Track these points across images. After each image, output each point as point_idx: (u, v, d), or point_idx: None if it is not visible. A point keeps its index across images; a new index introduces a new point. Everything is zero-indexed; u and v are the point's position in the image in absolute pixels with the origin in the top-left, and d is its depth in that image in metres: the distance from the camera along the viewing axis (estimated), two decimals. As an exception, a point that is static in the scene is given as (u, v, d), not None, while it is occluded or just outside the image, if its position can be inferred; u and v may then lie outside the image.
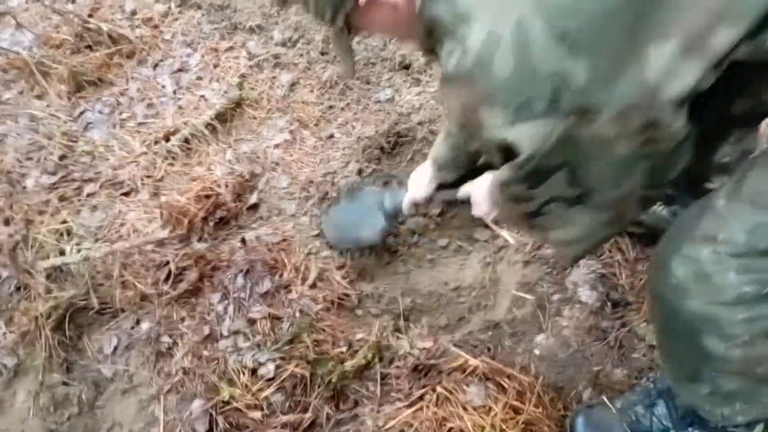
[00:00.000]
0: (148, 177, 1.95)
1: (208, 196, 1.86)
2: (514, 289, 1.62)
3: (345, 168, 1.94)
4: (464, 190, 1.40)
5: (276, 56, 2.24)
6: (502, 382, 1.32)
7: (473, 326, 1.56)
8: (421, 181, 1.53)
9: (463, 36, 0.82)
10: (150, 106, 2.19)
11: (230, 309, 1.55)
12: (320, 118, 2.11)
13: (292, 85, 2.18)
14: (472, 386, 1.32)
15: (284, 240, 1.79)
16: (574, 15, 0.76)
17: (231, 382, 1.42)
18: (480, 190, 1.25)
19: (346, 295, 1.68)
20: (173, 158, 2.00)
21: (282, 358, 1.44)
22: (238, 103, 2.14)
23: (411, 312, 1.68)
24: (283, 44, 2.26)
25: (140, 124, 2.14)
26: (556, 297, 1.54)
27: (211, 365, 1.46)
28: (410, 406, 1.40)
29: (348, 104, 2.12)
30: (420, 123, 1.98)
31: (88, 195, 1.90)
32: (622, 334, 1.43)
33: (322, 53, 2.22)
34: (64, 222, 1.82)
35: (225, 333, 1.51)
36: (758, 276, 0.82)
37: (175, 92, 2.21)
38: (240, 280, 1.60)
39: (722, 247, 0.82)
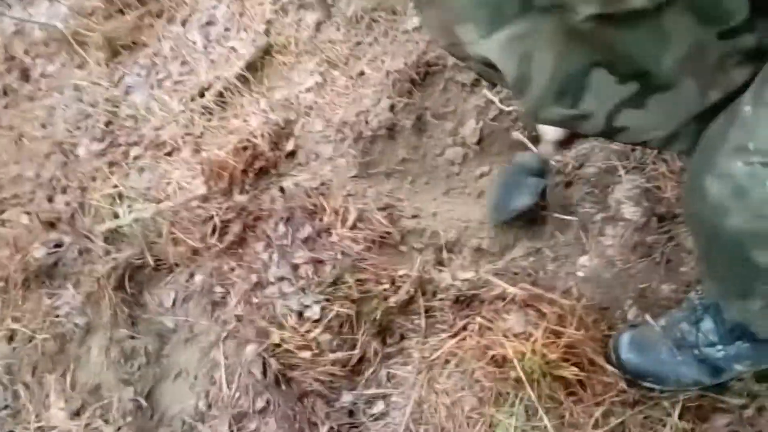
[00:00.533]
0: (188, 135, 1.99)
1: (245, 148, 1.89)
2: (556, 212, 1.58)
3: (377, 105, 1.91)
4: None
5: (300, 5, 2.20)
6: (542, 308, 1.31)
7: (515, 253, 1.54)
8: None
9: None
10: (184, 63, 2.21)
11: (274, 256, 1.60)
12: (349, 56, 2.07)
13: (318, 25, 2.14)
14: (511, 314, 1.32)
15: (322, 184, 1.81)
16: None
17: (280, 326, 1.48)
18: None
19: (388, 233, 1.69)
20: (210, 113, 2.03)
21: (327, 300, 1.48)
22: (267, 51, 2.13)
23: (454, 244, 1.68)
24: (303, -10, 2.21)
25: (176, 82, 2.17)
26: (599, 216, 1.49)
27: (261, 311, 1.52)
28: (454, 336, 1.42)
29: (376, 38, 2.07)
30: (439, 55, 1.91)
31: (135, 158, 1.97)
32: (669, 249, 1.38)
33: None
34: (115, 186, 1.90)
35: (271, 280, 1.56)
36: None
37: (205, 47, 2.22)
38: (281, 227, 1.64)
39: (755, 157, 0.75)
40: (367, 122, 1.90)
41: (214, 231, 1.69)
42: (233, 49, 2.18)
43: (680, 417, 1.17)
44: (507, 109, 1.81)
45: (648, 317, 1.25)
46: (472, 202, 1.83)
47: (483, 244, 1.65)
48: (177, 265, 1.71)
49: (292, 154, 1.94)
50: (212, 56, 2.20)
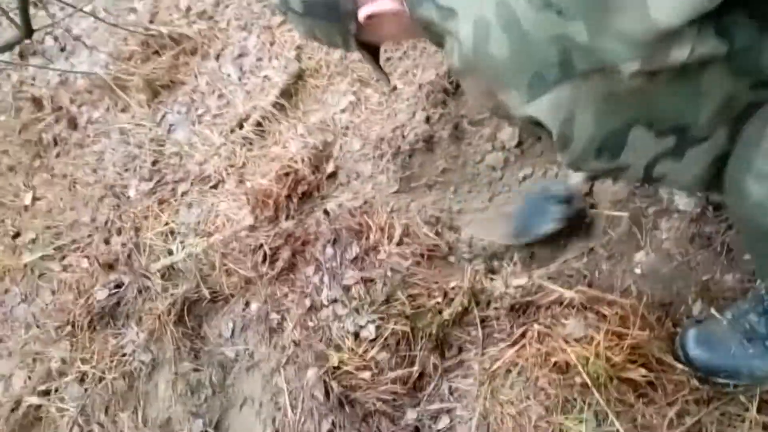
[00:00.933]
0: (231, 166, 2.04)
1: (287, 174, 1.92)
2: (607, 209, 1.54)
3: (413, 119, 1.92)
4: None
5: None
6: (602, 310, 1.28)
7: (567, 255, 1.51)
8: None
9: (455, 30, 0.79)
10: (221, 96, 2.27)
11: (325, 279, 1.61)
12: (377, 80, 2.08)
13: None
14: (570, 318, 1.30)
15: (365, 202, 1.82)
16: None
17: (338, 348, 1.49)
18: None
19: (436, 245, 1.68)
20: (250, 144, 2.07)
21: (381, 318, 1.49)
22: (300, 76, 2.16)
23: (504, 251, 1.66)
24: None
25: (215, 116, 2.22)
26: (651, 210, 1.45)
27: (318, 334, 1.53)
28: (513, 345, 1.40)
29: (405, 52, 2.08)
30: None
31: (182, 194, 2.02)
32: (729, 237, 1.33)
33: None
34: (167, 224, 1.95)
35: (325, 302, 1.57)
36: None
37: (240, 78, 2.27)
38: (329, 250, 1.65)
39: None
40: (404, 136, 1.91)
41: (264, 259, 1.71)
42: (267, 77, 2.22)
43: (759, 411, 1.13)
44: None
45: (714, 311, 1.21)
46: (516, 201, 1.81)
47: (533, 248, 1.63)
48: (232, 295, 1.74)
49: (333, 176, 1.96)
50: (247, 87, 2.24)
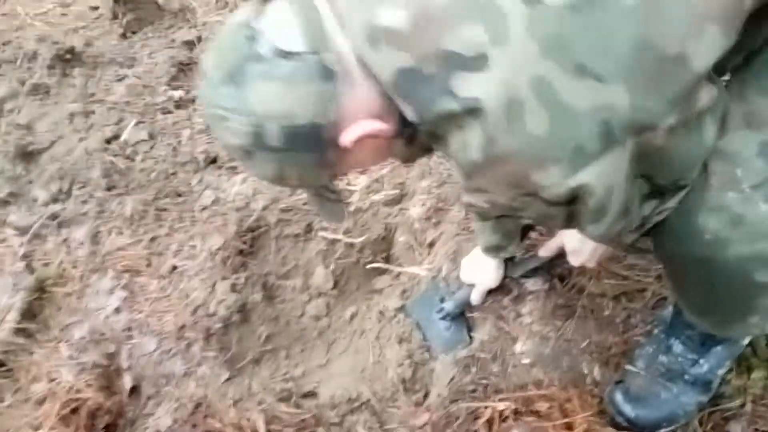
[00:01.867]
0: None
1: (74, 411, 1.46)
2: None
3: (213, 292, 1.67)
4: (552, 247, 1.33)
5: (54, 216, 1.84)
6: (537, 408, 1.22)
7: (455, 372, 1.43)
8: (485, 269, 1.42)
9: (480, 120, 0.70)
10: None
11: None
12: (149, 255, 1.78)
13: (94, 237, 1.81)
14: (514, 430, 1.20)
15: (198, 405, 1.48)
16: (579, 44, 0.69)
17: None
18: (576, 242, 1.18)
19: (303, 420, 1.45)
20: (-3, 394, 1.52)
21: None
22: (40, 288, 1.72)
23: (379, 395, 1.51)
24: (55, 200, 1.87)
25: None
26: (506, 300, 1.49)
27: None
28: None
29: (171, 227, 1.83)
30: (265, 208, 1.79)
31: None
32: (585, 300, 1.43)
33: (108, 188, 1.88)
34: None
35: None
36: None
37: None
38: (187, 480, 1.27)
39: (743, 184, 0.82)
40: (210, 315, 1.64)
41: None
42: (-12, 304, 1.70)
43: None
44: (353, 241, 1.75)
45: (628, 366, 1.25)
46: (360, 347, 1.69)
47: (406, 377, 1.52)
48: None
49: (135, 390, 1.56)
50: (-40, 325, 1.68)
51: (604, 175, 0.74)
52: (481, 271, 1.43)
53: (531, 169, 0.74)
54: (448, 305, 1.49)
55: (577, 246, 1.19)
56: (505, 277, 1.45)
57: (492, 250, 1.35)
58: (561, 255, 1.30)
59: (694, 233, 0.87)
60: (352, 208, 1.77)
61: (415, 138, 0.84)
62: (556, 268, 1.46)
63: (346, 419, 1.50)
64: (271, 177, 0.81)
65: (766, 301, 0.92)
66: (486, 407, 1.26)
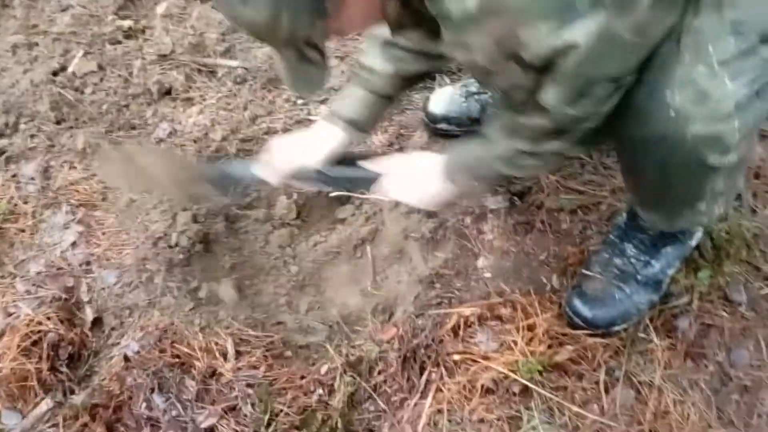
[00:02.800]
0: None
1: (36, 343, 1.43)
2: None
3: (174, 224, 1.64)
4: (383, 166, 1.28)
5: (1, 151, 1.77)
6: (502, 313, 1.27)
7: (419, 290, 1.47)
8: (302, 145, 1.35)
9: None
10: None
11: (173, 436, 1.23)
12: (104, 190, 1.74)
13: (45, 172, 1.75)
14: (477, 336, 1.25)
15: (165, 332, 1.47)
16: None
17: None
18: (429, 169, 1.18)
19: (271, 342, 1.46)
20: (-49, 329, 1.48)
21: (275, 442, 1.20)
22: (-8, 224, 1.66)
23: (348, 316, 1.55)
24: (1, 134, 1.80)
25: None
26: (468, 220, 1.52)
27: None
28: (423, 396, 1.28)
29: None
30: (224, 138, 1.76)
31: None
32: (542, 215, 1.48)
33: (58, 122, 1.81)
34: None
35: (189, 464, 1.20)
36: (749, 76, 0.86)
37: None
38: (157, 399, 1.28)
39: (712, 58, 0.86)
40: (172, 246, 1.62)
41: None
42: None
43: (662, 337, 1.26)
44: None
45: (583, 270, 1.31)
46: (325, 275, 1.71)
47: (371, 301, 1.55)
48: None
49: (97, 323, 1.53)
50: None
51: (585, 37, 0.77)
52: (292, 146, 1.38)
53: (520, 24, 0.77)
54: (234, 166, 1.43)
55: (414, 183, 1.22)
56: (322, 175, 1.36)
57: (351, 123, 1.32)
58: (370, 180, 1.29)
59: (659, 109, 0.90)
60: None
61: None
62: (357, 189, 1.40)
63: (313, 341, 1.52)
64: (262, 22, 0.80)
65: (714, 185, 0.97)
66: (452, 313, 1.30)
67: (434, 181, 1.19)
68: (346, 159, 1.36)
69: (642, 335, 1.27)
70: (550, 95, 0.89)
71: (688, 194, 1.03)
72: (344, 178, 1.35)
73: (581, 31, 0.78)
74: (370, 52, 1.27)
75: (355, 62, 1.32)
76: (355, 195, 1.50)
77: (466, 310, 1.29)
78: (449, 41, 0.88)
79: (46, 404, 1.28)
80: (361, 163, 1.33)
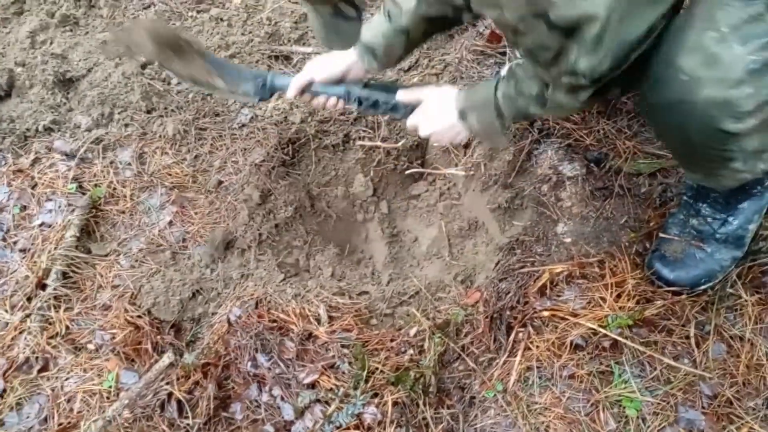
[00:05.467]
0: (53, 337, 1.54)
1: (140, 317, 1.55)
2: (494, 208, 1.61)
3: (263, 203, 1.74)
4: (411, 97, 1.29)
5: (98, 140, 1.90)
6: (591, 272, 1.30)
7: (500, 257, 1.51)
8: (326, 63, 1.38)
9: None
10: (-17, 268, 1.72)
11: (276, 391, 1.31)
12: (194, 173, 1.85)
13: (140, 157, 1.87)
14: (564, 293, 1.29)
15: (260, 301, 1.56)
16: None
17: (345, 455, 1.21)
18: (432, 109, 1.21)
19: (357, 310, 1.53)
20: (67, 300, 1.61)
21: (374, 395, 1.27)
22: (94, 207, 1.78)
23: (431, 282, 1.60)
24: (98, 125, 1.92)
25: (-12, 292, 1.67)
26: (545, 187, 1.55)
27: (308, 455, 1.23)
28: (512, 354, 1.33)
29: (212, 145, 1.89)
30: (303, 121, 1.85)
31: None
32: (621, 180, 1.50)
33: (149, 111, 1.93)
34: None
35: (292, 416, 1.28)
36: (760, 41, 0.88)
37: (5, 239, 1.76)
38: (261, 359, 1.36)
39: (721, 23, 0.88)
40: (261, 223, 1.71)
41: (181, 409, 1.32)
42: (44, 225, 1.78)
43: (751, 293, 1.26)
44: (390, 146, 1.81)
45: (661, 234, 1.32)
46: (405, 243, 1.78)
47: (454, 269, 1.61)
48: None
49: (195, 294, 1.63)
50: (20, 244, 1.75)
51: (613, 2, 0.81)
52: (320, 63, 1.39)
53: None
54: (272, 76, 1.43)
55: (432, 117, 1.25)
56: (347, 92, 1.38)
57: (368, 48, 1.34)
58: (408, 111, 1.30)
59: (672, 75, 0.94)
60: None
61: None
62: (394, 115, 1.40)
63: (397, 310, 1.59)
64: None
65: (740, 145, 0.98)
66: (541, 272, 1.34)
67: (449, 117, 1.23)
68: (376, 83, 1.39)
69: (730, 291, 1.28)
70: (582, 63, 0.93)
71: (714, 156, 1.04)
72: (369, 99, 1.36)
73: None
74: None
75: None
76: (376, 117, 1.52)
77: (558, 267, 1.32)
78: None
79: (167, 358, 1.37)
80: (387, 89, 1.36)
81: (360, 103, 1.36)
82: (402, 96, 1.34)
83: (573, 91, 1.02)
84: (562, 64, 0.96)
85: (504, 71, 1.18)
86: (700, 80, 0.92)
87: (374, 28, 1.32)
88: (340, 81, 1.39)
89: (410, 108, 1.31)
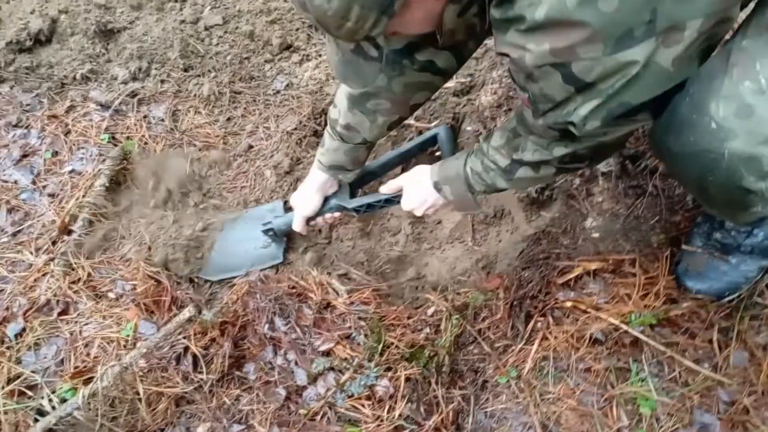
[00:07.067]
0: (75, 282, 1.56)
1: (158, 272, 1.56)
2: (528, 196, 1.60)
3: (291, 171, 1.74)
4: (393, 187, 1.38)
5: (133, 93, 1.91)
6: (625, 269, 1.29)
7: (524, 246, 1.50)
8: (308, 197, 1.47)
9: None
10: (13, 210, 1.74)
11: (291, 355, 1.32)
12: (225, 134, 1.86)
13: (174, 115, 1.88)
14: (590, 286, 1.28)
15: (278, 269, 1.57)
16: None
17: (354, 423, 1.21)
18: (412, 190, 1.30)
19: (377, 287, 1.53)
20: (89, 248, 1.63)
21: (388, 369, 1.27)
22: (125, 159, 1.80)
23: (453, 266, 1.59)
24: (134, 78, 1.93)
25: (15, 234, 1.69)
26: (577, 182, 1.54)
27: (319, 420, 1.23)
28: (528, 342, 1.32)
29: (246, 108, 1.89)
30: (339, 92, 1.83)
31: (17, 336, 1.47)
32: (655, 180, 1.47)
33: (186, 69, 1.93)
34: (10, 379, 1.39)
35: (305, 381, 1.28)
36: None
37: (34, 182, 1.79)
38: (279, 322, 1.37)
39: (761, 75, 0.84)
40: (297, 183, 1.71)
41: (196, 364, 1.33)
42: (75, 171, 1.80)
43: (779, 301, 1.25)
44: (423, 126, 1.79)
45: (684, 246, 1.30)
46: (427, 228, 1.77)
47: (475, 255, 1.60)
48: (162, 430, 1.31)
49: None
50: (49, 189, 1.78)
51: (634, 63, 0.80)
52: (303, 197, 1.47)
53: (582, 40, 0.78)
54: (276, 222, 1.55)
55: (412, 194, 1.31)
56: (341, 207, 1.48)
57: (335, 168, 1.41)
58: (398, 196, 1.38)
59: (701, 121, 0.89)
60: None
61: (468, 8, 0.91)
62: (388, 207, 1.47)
63: (416, 289, 1.59)
64: (333, 12, 0.81)
65: (758, 197, 0.93)
66: (574, 264, 1.33)
67: (428, 190, 1.28)
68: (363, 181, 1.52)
69: (758, 299, 1.26)
70: (583, 110, 0.90)
71: (732, 206, 1.00)
72: (362, 205, 1.45)
73: (633, 57, 0.79)
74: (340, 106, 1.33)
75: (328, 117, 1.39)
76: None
77: (592, 264, 1.31)
78: (508, 42, 0.88)
79: (188, 312, 1.39)
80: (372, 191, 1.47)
81: (357, 211, 1.46)
82: (386, 190, 1.40)
83: (558, 140, 1.02)
84: (558, 111, 0.93)
85: (475, 147, 1.23)
86: (730, 130, 0.87)
87: (331, 152, 1.39)
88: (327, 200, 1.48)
89: (399, 196, 1.38)
